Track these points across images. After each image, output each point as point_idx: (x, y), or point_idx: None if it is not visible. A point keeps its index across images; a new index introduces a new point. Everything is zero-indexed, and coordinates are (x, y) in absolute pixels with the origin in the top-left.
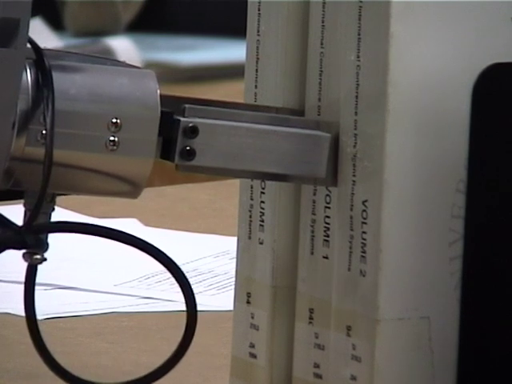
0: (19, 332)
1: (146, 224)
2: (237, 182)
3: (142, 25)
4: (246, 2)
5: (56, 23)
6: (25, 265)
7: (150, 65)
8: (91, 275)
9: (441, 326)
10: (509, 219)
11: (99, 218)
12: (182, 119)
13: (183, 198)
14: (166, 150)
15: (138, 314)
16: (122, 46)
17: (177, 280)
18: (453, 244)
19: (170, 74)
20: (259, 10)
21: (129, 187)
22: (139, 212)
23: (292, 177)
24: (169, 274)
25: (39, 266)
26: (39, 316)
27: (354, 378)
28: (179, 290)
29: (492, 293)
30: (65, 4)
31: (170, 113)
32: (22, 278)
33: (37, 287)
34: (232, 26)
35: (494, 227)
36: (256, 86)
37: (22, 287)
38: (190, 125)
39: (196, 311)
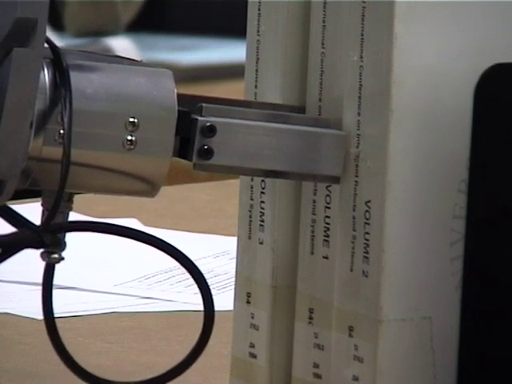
0: (19, 332)
1: (146, 224)
2: (237, 182)
3: (142, 25)
4: (246, 2)
5: (56, 23)
6: (24, 265)
7: None
8: (91, 275)
9: (442, 326)
10: (510, 220)
11: (99, 218)
12: (199, 118)
13: (183, 197)
14: (184, 149)
15: (138, 314)
16: (122, 46)
17: (195, 279)
18: (454, 244)
19: None
20: (259, 10)
21: (146, 186)
22: (139, 212)
23: (307, 175)
24: (168, 274)
25: (38, 267)
26: (39, 316)
27: (356, 378)
28: (179, 290)
29: (493, 293)
30: (65, 4)
31: (188, 112)
32: (23, 278)
33: (37, 287)
34: (232, 26)
35: (494, 227)
36: (256, 86)
37: (22, 287)
38: (208, 124)
39: (213, 311)
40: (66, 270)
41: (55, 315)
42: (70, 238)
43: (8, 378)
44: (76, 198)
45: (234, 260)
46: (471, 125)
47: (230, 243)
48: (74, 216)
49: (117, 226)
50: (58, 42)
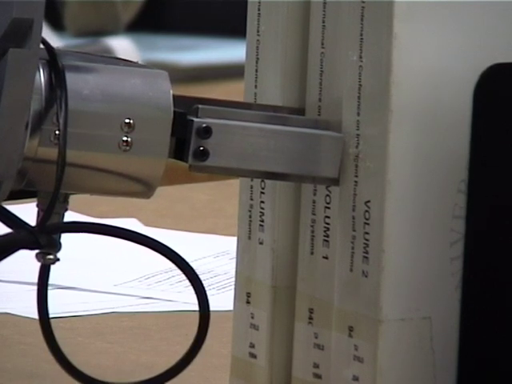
0: (19, 332)
1: (146, 224)
2: (237, 181)
3: (142, 25)
4: (246, 2)
5: (56, 23)
6: (24, 265)
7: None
8: (91, 275)
9: (442, 326)
10: (510, 219)
11: (99, 218)
12: (195, 120)
13: (183, 197)
14: (179, 150)
15: (138, 314)
16: (122, 46)
17: (190, 281)
18: (454, 244)
19: (169, 74)
20: (259, 10)
21: (141, 187)
22: (139, 212)
23: (304, 177)
24: (168, 274)
25: (37, 267)
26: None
27: (356, 378)
28: (179, 290)
29: (492, 293)
30: (65, 4)
31: (183, 113)
32: (22, 278)
33: (37, 287)
34: (232, 26)
35: (494, 227)
36: (256, 86)
37: (21, 287)
38: (204, 125)
39: (209, 310)
40: (66, 270)
41: (55, 315)
42: (70, 238)
43: (8, 377)
44: (75, 198)
45: (234, 260)
46: (471, 125)
47: (229, 243)
48: (73, 216)
49: (112, 226)
50: (58, 42)
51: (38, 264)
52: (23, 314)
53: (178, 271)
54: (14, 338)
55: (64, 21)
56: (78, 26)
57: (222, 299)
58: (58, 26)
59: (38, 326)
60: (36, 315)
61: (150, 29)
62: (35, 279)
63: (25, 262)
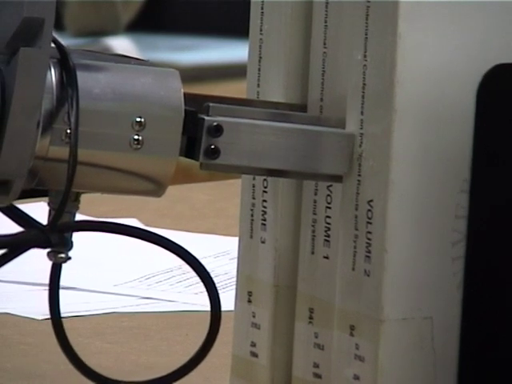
0: (19, 332)
1: (146, 224)
2: (237, 181)
3: (142, 25)
4: (247, 2)
5: (56, 23)
6: (24, 265)
7: None
8: (91, 275)
9: (443, 325)
10: (511, 220)
11: (100, 218)
12: (206, 118)
13: (183, 197)
14: (190, 148)
15: (138, 314)
16: (122, 46)
17: (202, 279)
18: (456, 244)
19: None
20: (262, 9)
21: (152, 186)
22: (139, 212)
23: (312, 175)
24: (169, 274)
25: (38, 267)
26: (39, 316)
27: (357, 377)
28: (179, 290)
29: (494, 293)
30: (65, 4)
31: (194, 112)
32: (22, 278)
33: (37, 287)
34: (232, 26)
35: (496, 227)
36: (258, 85)
37: (21, 287)
38: (215, 123)
39: (220, 310)
40: (67, 271)
41: None
42: None
43: (8, 378)
44: None
45: (235, 260)
46: (474, 125)
47: (230, 243)
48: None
49: (124, 225)
50: None
51: (39, 264)
52: (23, 314)
53: (179, 271)
54: (13, 338)
55: (64, 21)
56: (78, 25)
57: (222, 299)
58: (58, 26)
59: (38, 326)
60: (36, 315)
61: (150, 29)
62: (35, 279)
63: (25, 262)
